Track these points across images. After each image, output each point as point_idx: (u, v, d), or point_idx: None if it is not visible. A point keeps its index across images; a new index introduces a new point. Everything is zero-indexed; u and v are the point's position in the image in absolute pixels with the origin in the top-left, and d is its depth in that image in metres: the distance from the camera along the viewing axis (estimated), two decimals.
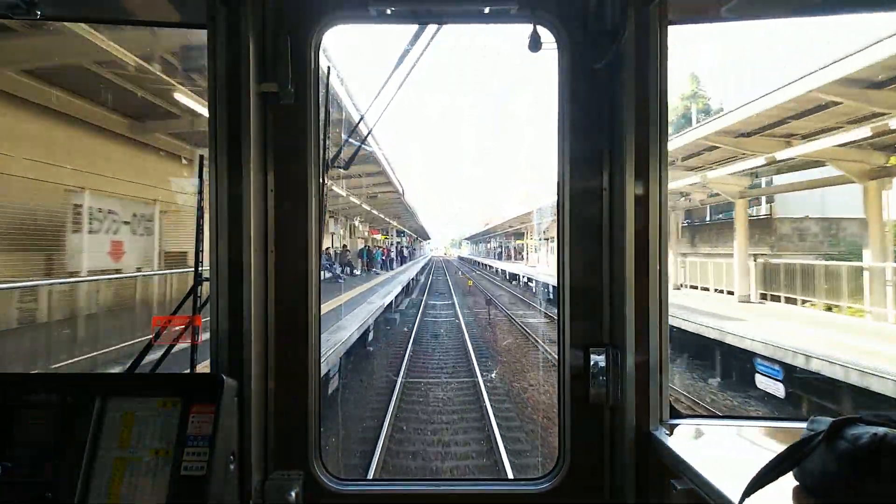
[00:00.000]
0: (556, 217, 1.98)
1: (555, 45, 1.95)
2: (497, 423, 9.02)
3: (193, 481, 1.42)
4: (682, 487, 1.49)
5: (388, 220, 42.12)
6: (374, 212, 32.82)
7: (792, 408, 10.26)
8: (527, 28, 1.85)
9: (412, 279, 33.29)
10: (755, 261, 17.78)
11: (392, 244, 48.70)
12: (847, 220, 19.03)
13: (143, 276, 10.79)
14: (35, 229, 9.12)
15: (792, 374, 10.12)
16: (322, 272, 2.17)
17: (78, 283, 9.31)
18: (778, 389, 10.51)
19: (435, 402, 10.74)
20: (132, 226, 11.13)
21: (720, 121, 13.84)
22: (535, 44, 1.85)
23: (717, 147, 15.02)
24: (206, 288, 1.89)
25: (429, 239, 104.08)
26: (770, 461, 1.20)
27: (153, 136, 11.50)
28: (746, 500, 1.16)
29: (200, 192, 1.94)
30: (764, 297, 17.27)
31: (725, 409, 11.09)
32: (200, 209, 1.88)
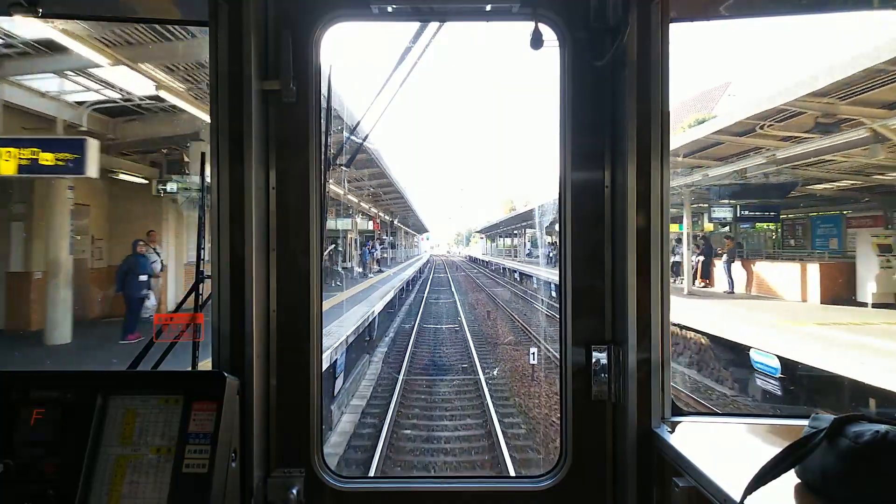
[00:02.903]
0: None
1: (556, 43, 1.94)
2: None
3: (195, 479, 1.42)
4: (684, 485, 1.50)
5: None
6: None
7: None
8: (528, 25, 1.85)
9: None
10: None
11: None
12: None
13: None
14: None
15: None
16: None
17: None
18: None
19: None
20: None
21: None
22: (536, 41, 1.84)
23: None
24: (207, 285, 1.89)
25: (426, 232, 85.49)
26: (772, 458, 1.20)
27: None
28: (748, 497, 1.16)
29: (203, 190, 1.95)
30: None
31: None
32: (203, 206, 1.89)
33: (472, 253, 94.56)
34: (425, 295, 28.28)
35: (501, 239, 67.72)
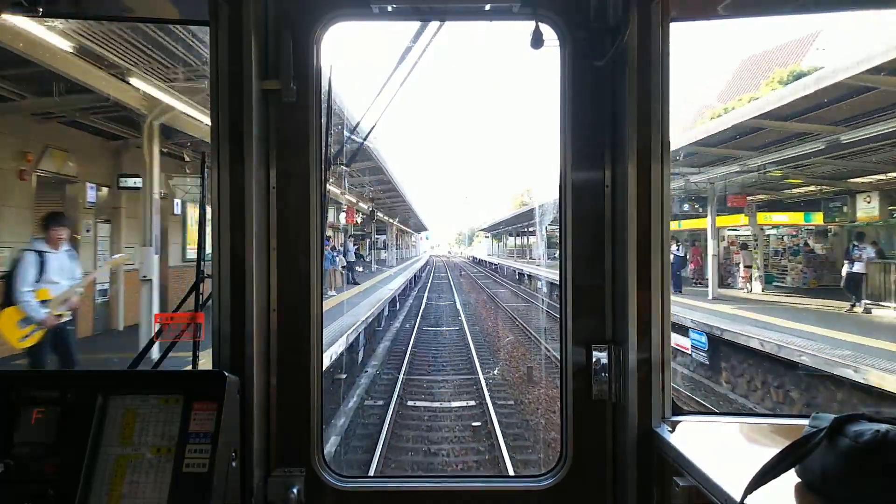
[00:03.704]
0: None
1: (556, 43, 1.95)
2: None
3: (195, 479, 1.42)
4: (685, 484, 1.50)
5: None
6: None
7: None
8: (528, 25, 1.85)
9: None
10: None
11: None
12: None
13: None
14: None
15: None
16: None
17: None
18: None
19: None
20: None
21: None
22: (536, 41, 1.85)
23: None
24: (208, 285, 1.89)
25: (426, 231, 79.89)
26: (772, 458, 1.20)
27: None
28: (748, 497, 1.16)
29: (203, 189, 1.95)
30: None
31: None
32: (203, 206, 1.89)
33: (476, 253, 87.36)
34: (413, 334, 17.04)
35: (510, 238, 61.38)
